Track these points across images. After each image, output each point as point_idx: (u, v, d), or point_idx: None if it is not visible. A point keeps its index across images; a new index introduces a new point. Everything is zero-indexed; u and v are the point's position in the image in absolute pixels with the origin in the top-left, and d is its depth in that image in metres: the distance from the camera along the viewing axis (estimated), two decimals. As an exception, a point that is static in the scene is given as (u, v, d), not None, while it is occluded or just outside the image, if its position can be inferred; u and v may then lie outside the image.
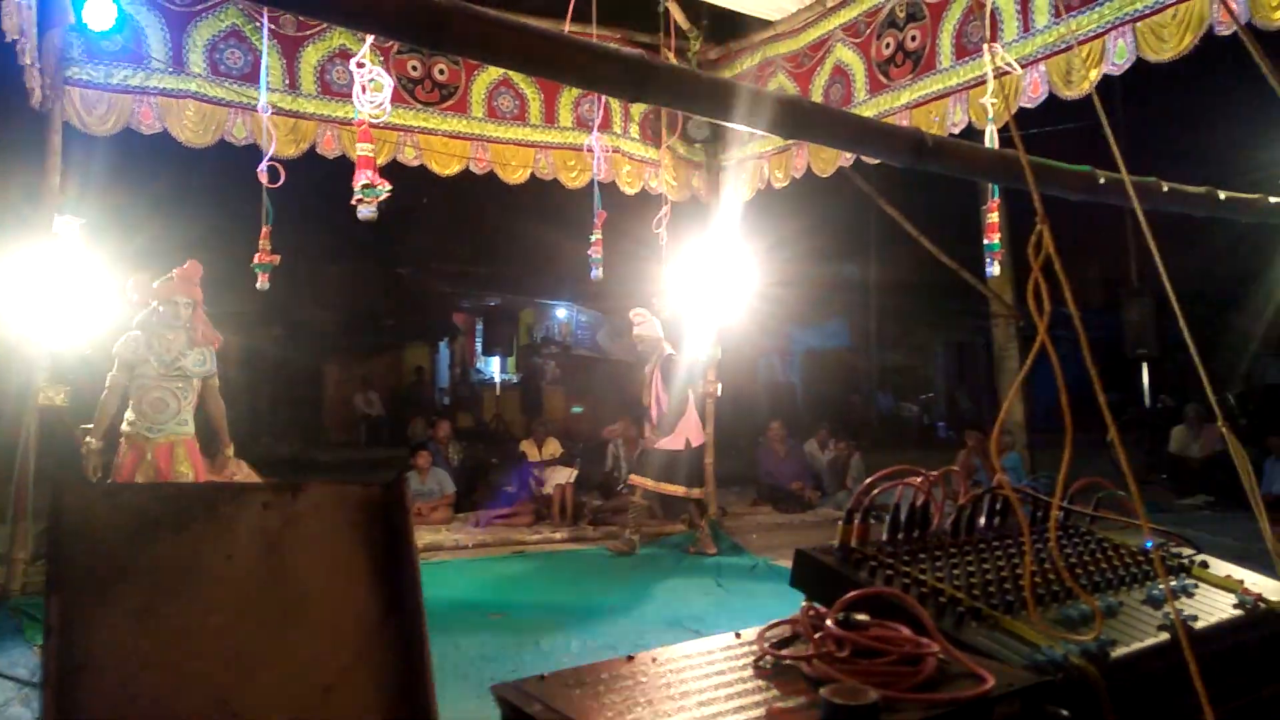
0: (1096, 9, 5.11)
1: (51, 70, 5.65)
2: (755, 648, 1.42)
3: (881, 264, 20.73)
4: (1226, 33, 4.48)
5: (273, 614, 1.47)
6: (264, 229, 6.00)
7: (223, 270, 5.77)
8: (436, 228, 19.83)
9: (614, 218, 7.57)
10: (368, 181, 4.89)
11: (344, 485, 1.61)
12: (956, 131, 5.92)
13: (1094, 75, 5.14)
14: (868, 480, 1.89)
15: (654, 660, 1.39)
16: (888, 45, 6.52)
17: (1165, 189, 2.40)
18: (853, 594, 1.47)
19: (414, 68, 7.07)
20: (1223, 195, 2.57)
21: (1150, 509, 1.69)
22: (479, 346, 24.10)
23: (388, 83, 5.06)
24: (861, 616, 1.41)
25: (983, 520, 2.01)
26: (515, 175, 7.52)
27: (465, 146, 7.28)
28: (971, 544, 1.88)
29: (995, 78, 5.49)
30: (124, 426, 5.42)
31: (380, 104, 5.01)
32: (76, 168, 5.98)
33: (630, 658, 1.39)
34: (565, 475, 8.55)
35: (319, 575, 1.53)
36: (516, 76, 7.40)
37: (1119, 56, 5.00)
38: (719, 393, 8.02)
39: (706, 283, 7.58)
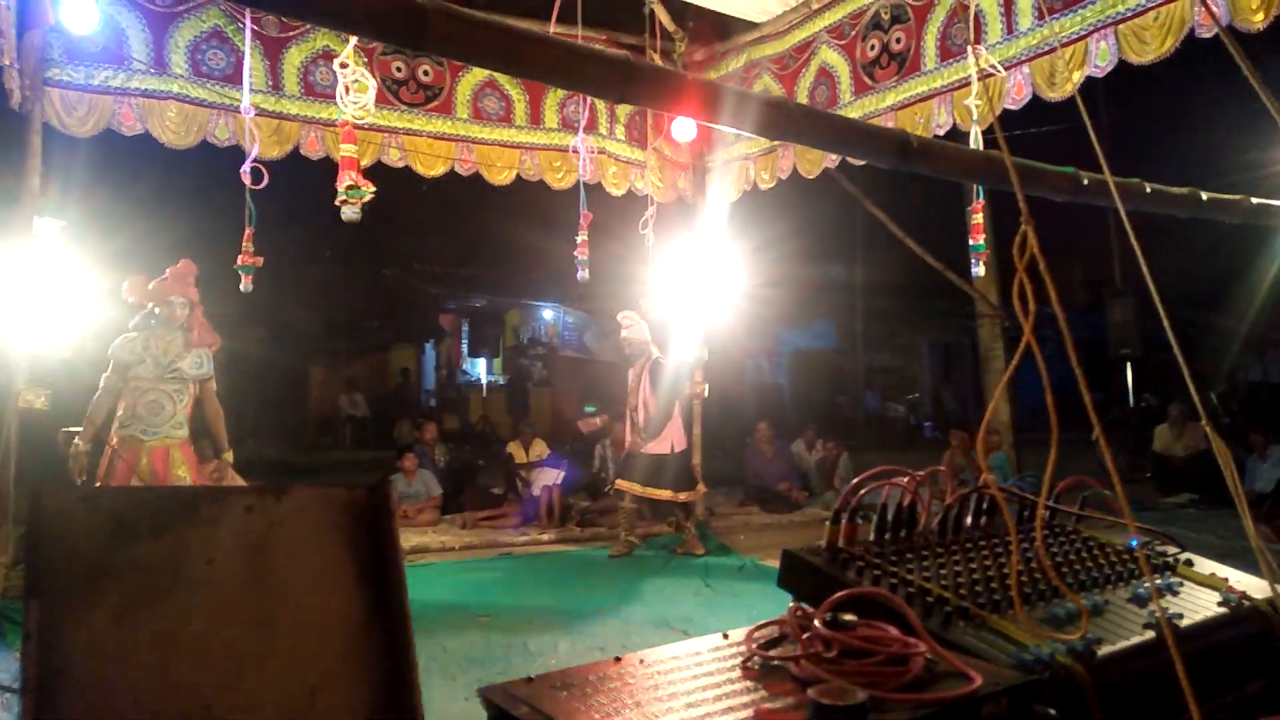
0: (1079, 11, 5.14)
1: (31, 71, 5.61)
2: (743, 648, 1.42)
3: (867, 265, 20.81)
4: (1208, 35, 4.52)
5: (257, 617, 1.45)
6: (247, 231, 5.96)
7: (206, 272, 5.73)
8: (422, 229, 19.77)
9: (600, 219, 7.57)
10: (352, 183, 4.87)
11: (328, 488, 1.60)
12: (941, 133, 5.94)
13: (1077, 77, 5.18)
14: (854, 480, 1.89)
15: (641, 661, 1.38)
16: (873, 47, 6.54)
17: (1148, 190, 2.41)
18: (840, 594, 1.47)
19: (398, 69, 7.05)
20: (1205, 196, 2.58)
21: (1135, 507, 1.70)
22: (465, 348, 24.05)
23: (371, 84, 5.04)
24: (849, 617, 1.41)
25: (969, 520, 2.02)
26: (501, 177, 7.51)
27: (450, 148, 7.26)
28: (958, 544, 1.89)
29: (979, 80, 5.53)
30: (118, 429, 5.34)
31: (364, 105, 4.99)
32: (57, 169, 5.94)
33: (618, 659, 1.38)
34: (552, 477, 8.54)
35: (303, 578, 1.52)
36: (502, 78, 7.39)
37: (1101, 59, 5.04)
38: (706, 394, 8.03)
39: (693, 284, 7.59)
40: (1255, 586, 1.87)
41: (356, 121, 5.12)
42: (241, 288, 6.00)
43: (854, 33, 6.71)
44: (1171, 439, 10.37)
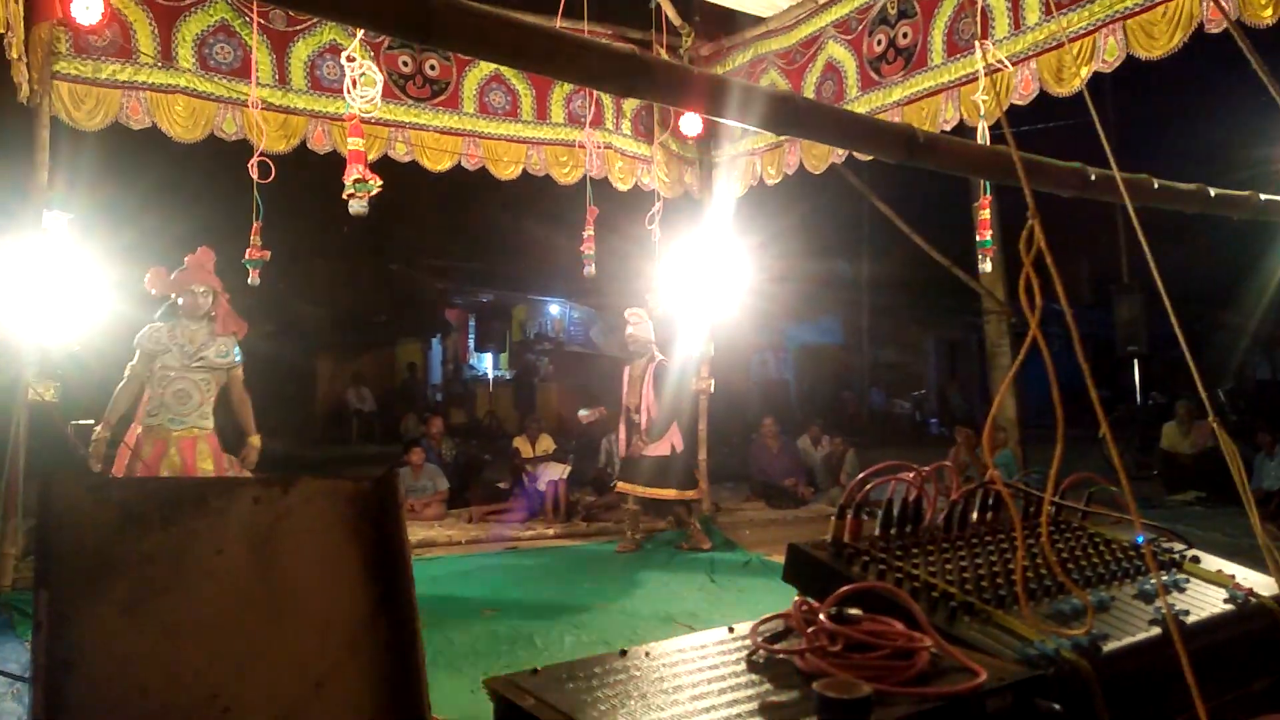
0: (1087, 6, 5.11)
1: (39, 65, 5.61)
2: (748, 642, 1.42)
3: (874, 260, 20.78)
4: (1216, 30, 4.50)
5: (264, 608, 1.46)
6: (255, 225, 5.98)
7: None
8: (429, 224, 19.78)
9: (606, 214, 7.56)
10: (359, 176, 4.87)
11: (335, 480, 1.61)
12: (948, 128, 5.92)
13: (1085, 72, 5.15)
14: (860, 475, 1.89)
15: (647, 654, 1.39)
16: (879, 42, 6.52)
17: (1156, 186, 2.40)
18: (845, 589, 1.47)
19: (405, 63, 7.05)
20: (1213, 192, 2.58)
21: (1141, 505, 1.70)
22: (472, 343, 24.08)
23: (379, 77, 5.04)
24: (854, 611, 1.42)
25: (975, 515, 2.02)
26: (507, 171, 7.50)
27: (457, 142, 7.26)
28: (964, 539, 1.89)
29: (986, 74, 5.50)
30: (144, 419, 5.36)
31: (371, 99, 4.98)
32: (65, 163, 5.95)
33: (623, 652, 1.39)
34: (558, 471, 8.55)
35: (310, 570, 1.52)
36: (508, 72, 7.38)
37: (1109, 54, 5.01)
38: (712, 389, 8.03)
39: (699, 279, 7.59)
40: (1262, 584, 1.87)
41: (363, 115, 5.12)
42: (249, 282, 6.02)
43: (861, 28, 6.69)
44: (1179, 436, 10.34)
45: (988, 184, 6.12)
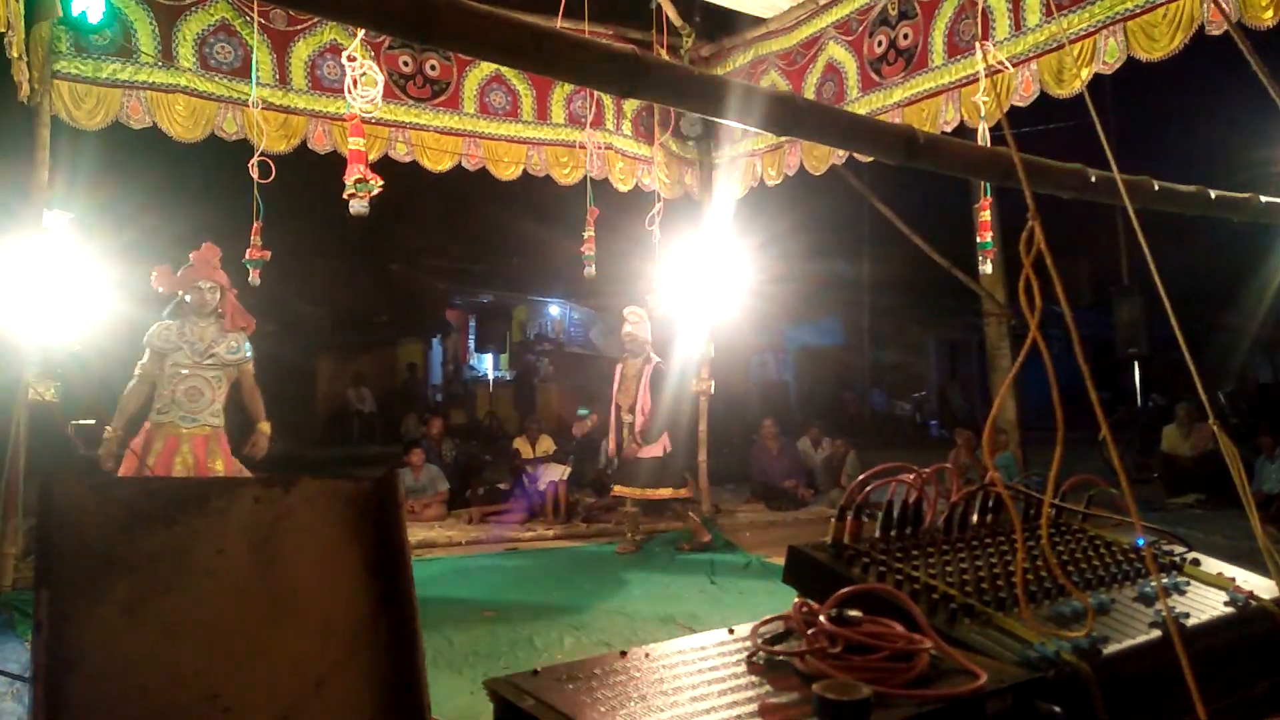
0: (1087, 8, 5.12)
1: (40, 64, 5.61)
2: (748, 643, 1.42)
3: (874, 262, 20.79)
4: (1217, 32, 4.50)
5: (264, 608, 1.46)
6: (255, 224, 5.98)
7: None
8: (429, 224, 19.79)
9: (607, 215, 7.56)
10: (360, 176, 4.87)
11: (336, 480, 1.60)
12: (948, 129, 5.92)
13: (1085, 74, 5.15)
14: (860, 477, 1.89)
15: (647, 655, 1.39)
16: (880, 43, 6.52)
17: (1156, 188, 2.40)
18: (845, 590, 1.47)
19: (405, 63, 7.05)
20: (1214, 194, 2.57)
21: (1142, 507, 1.70)
22: (472, 343, 24.08)
23: (379, 77, 5.04)
24: (854, 613, 1.42)
25: (975, 517, 2.01)
26: (508, 172, 7.50)
27: (457, 143, 7.26)
28: (964, 541, 1.89)
29: (987, 76, 5.50)
30: (155, 416, 5.36)
31: (372, 98, 4.99)
32: (65, 162, 5.95)
33: (623, 653, 1.39)
34: (558, 472, 8.55)
35: (311, 570, 1.52)
36: (509, 73, 7.39)
37: (1110, 55, 5.01)
38: (712, 391, 8.03)
39: (699, 280, 7.59)
40: (1263, 586, 1.87)
41: (364, 115, 5.12)
42: (249, 282, 6.03)
43: (861, 29, 6.69)
44: (1179, 439, 10.33)
45: (988, 185, 6.11)
